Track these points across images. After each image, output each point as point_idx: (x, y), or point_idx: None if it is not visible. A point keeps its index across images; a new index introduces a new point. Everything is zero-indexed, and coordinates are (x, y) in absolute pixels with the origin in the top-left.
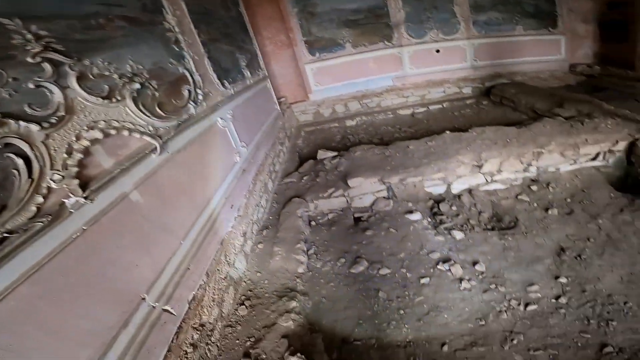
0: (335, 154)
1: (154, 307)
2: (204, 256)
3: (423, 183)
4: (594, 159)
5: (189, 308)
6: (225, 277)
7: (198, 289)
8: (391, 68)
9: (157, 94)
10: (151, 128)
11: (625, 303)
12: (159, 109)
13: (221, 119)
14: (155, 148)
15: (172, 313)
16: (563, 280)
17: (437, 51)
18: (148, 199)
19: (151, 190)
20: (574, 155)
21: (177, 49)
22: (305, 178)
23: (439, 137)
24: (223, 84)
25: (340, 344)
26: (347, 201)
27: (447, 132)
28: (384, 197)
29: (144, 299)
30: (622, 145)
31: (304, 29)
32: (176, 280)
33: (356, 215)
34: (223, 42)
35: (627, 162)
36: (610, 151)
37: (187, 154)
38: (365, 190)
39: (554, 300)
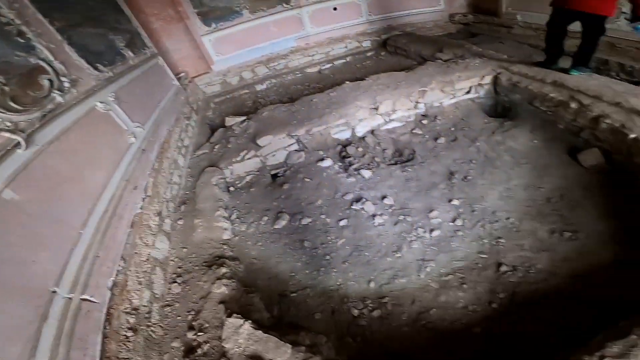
0: (243, 118)
1: (70, 298)
2: (113, 242)
3: (329, 131)
4: (468, 92)
5: (113, 294)
6: (147, 259)
7: (117, 275)
8: (293, 29)
9: (6, 88)
10: (8, 123)
11: (507, 218)
12: (14, 102)
13: (101, 102)
14: (19, 143)
15: (93, 301)
16: (456, 202)
17: (335, 9)
18: (26, 195)
19: (28, 185)
20: (452, 91)
21: (23, 41)
22: (217, 147)
23: (339, 87)
24: (96, 68)
25: (279, 299)
26: (262, 161)
27: (347, 82)
28: (295, 150)
29: (54, 292)
30: (488, 79)
31: (195, 1)
32: (87, 269)
33: (273, 172)
34: (88, 26)
35: (495, 92)
36: (479, 85)
37: (64, 143)
38: (277, 147)
39: (451, 224)
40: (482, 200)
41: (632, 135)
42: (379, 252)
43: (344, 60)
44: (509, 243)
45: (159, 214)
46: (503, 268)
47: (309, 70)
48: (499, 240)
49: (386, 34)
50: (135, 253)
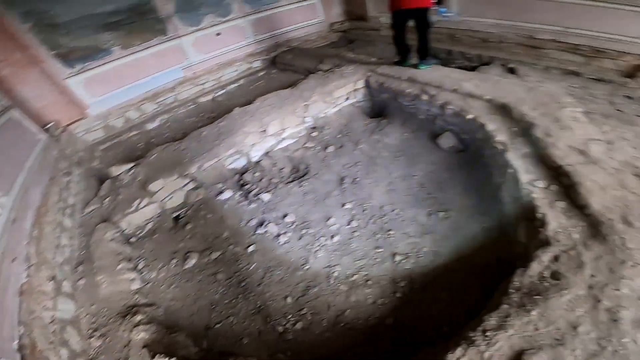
0: (131, 165)
1: None
2: (3, 311)
3: (222, 162)
4: (347, 98)
5: (23, 354)
6: (52, 321)
7: (21, 339)
8: (176, 60)
9: None
10: None
11: (392, 210)
12: None
13: None
14: None
15: None
16: (349, 205)
17: (218, 34)
18: None
19: None
20: (332, 100)
21: None
22: (107, 200)
23: (228, 115)
24: None
25: (206, 332)
26: (159, 206)
27: (236, 108)
28: (192, 189)
29: None
30: (361, 84)
31: (50, 42)
32: None
33: (174, 214)
34: None
35: (370, 95)
36: (355, 90)
37: None
38: (173, 189)
39: (348, 227)
40: (370, 199)
41: (469, 116)
42: (289, 268)
43: (237, 84)
44: (398, 233)
45: (53, 278)
46: (397, 258)
47: (202, 99)
48: (390, 232)
49: (275, 51)
50: (35, 318)
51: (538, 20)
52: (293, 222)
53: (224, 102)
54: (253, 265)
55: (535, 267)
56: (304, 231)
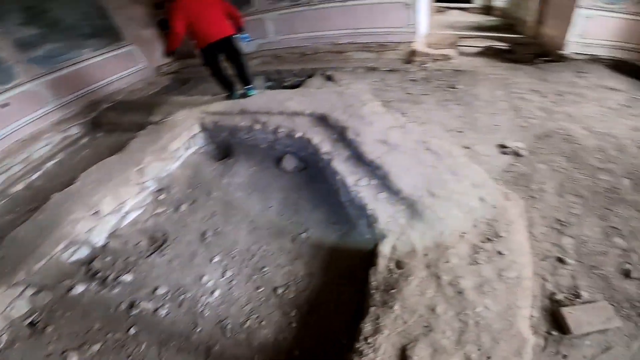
0: None
1: None
2: None
3: (57, 259)
4: (187, 148)
5: None
6: None
7: None
8: None
9: None
10: None
11: (260, 248)
12: None
13: None
14: None
15: None
16: (217, 258)
17: (4, 105)
18: None
19: None
20: (170, 155)
21: None
22: None
23: (45, 206)
24: None
25: None
26: (2, 318)
27: (54, 194)
28: (34, 293)
29: None
30: (197, 128)
31: None
32: None
33: (27, 321)
34: None
35: (210, 137)
36: (193, 136)
37: None
38: (8, 300)
39: (223, 278)
40: (236, 244)
41: (298, 135)
42: (182, 336)
43: (56, 160)
44: (272, 267)
45: None
46: (279, 290)
47: (13, 189)
48: (264, 269)
49: (95, 111)
50: None
51: (335, 27)
52: (167, 292)
53: (44, 186)
54: (143, 345)
55: (381, 262)
56: (181, 297)
